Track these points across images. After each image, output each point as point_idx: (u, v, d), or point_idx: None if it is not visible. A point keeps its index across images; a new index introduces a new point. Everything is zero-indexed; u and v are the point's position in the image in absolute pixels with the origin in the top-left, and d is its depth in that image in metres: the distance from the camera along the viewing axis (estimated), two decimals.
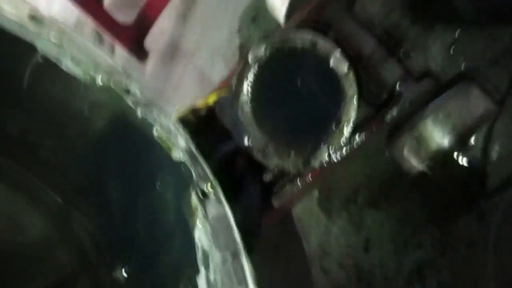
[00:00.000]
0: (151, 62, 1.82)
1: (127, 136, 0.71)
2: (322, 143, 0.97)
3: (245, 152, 1.06)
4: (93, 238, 0.84)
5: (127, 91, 0.67)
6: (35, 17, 0.65)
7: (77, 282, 0.84)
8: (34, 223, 0.87)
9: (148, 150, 0.68)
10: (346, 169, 1.24)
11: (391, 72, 1.01)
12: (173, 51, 1.75)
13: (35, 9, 0.67)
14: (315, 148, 0.98)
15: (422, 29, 1.17)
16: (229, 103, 1.10)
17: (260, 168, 1.12)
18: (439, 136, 0.98)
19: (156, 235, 0.72)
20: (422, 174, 0.99)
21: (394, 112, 0.95)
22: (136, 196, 0.74)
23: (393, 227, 1.20)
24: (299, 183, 1.01)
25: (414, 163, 0.97)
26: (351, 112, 0.93)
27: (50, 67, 0.68)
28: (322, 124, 0.98)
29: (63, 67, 0.65)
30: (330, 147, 0.96)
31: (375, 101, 1.08)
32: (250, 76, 1.07)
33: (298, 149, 1.01)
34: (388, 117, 0.95)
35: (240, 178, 1.06)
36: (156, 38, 1.81)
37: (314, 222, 1.32)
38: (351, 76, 0.93)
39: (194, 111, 1.12)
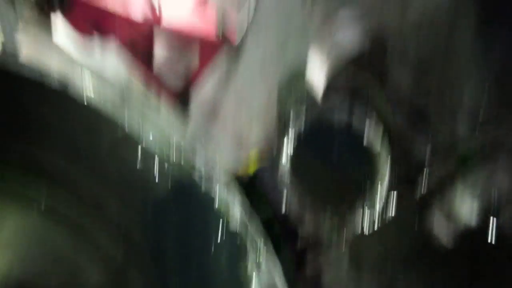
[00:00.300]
0: (192, 125, 1.97)
1: (188, 205, 0.81)
2: (356, 216, 1.05)
3: (282, 220, 1.14)
4: None
5: (193, 167, 0.79)
6: (123, 97, 0.80)
7: None
8: (94, 275, 0.95)
9: (206, 220, 0.78)
10: (377, 240, 1.30)
11: (420, 149, 1.10)
12: (213, 115, 1.90)
13: (123, 91, 0.82)
14: (348, 222, 1.06)
15: (450, 109, 1.26)
16: (269, 173, 1.20)
17: (295, 237, 1.20)
18: (467, 214, 1.04)
19: None
20: (451, 250, 1.04)
21: (422, 189, 1.03)
22: (191, 262, 0.82)
23: None
24: (332, 253, 1.08)
25: (445, 236, 1.02)
26: (383, 190, 1.01)
27: (130, 142, 0.81)
28: (356, 199, 1.06)
29: (143, 144, 0.78)
30: (363, 220, 1.03)
31: (405, 177, 1.16)
32: (289, 149, 1.18)
33: (333, 220, 1.08)
34: (417, 194, 1.03)
35: (277, 247, 1.14)
36: (199, 101, 1.97)
37: None
38: (384, 155, 1.02)
39: (237, 178, 1.23)
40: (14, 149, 0.91)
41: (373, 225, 1.03)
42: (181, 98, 1.98)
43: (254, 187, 1.17)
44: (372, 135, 1.05)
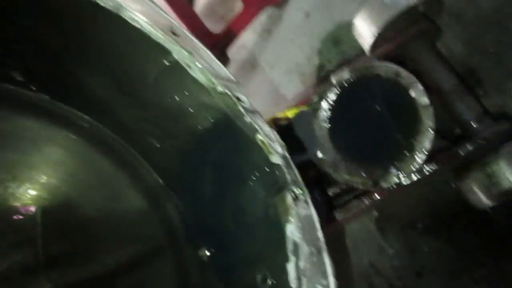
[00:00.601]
0: (230, 71, 1.97)
1: (230, 136, 0.83)
2: (393, 167, 1.04)
3: (317, 165, 1.15)
4: (183, 219, 0.96)
5: (238, 99, 0.79)
6: (174, 30, 0.80)
7: (163, 255, 0.97)
8: (133, 198, 1.01)
9: (248, 151, 0.79)
10: (409, 194, 1.29)
11: (468, 109, 1.06)
12: (253, 63, 1.89)
13: (175, 25, 0.82)
14: (386, 171, 1.05)
15: (504, 72, 1.20)
16: (308, 118, 1.20)
17: (327, 182, 1.21)
18: (508, 180, 1.01)
19: (241, 224, 0.83)
20: (487, 210, 1.03)
21: (468, 147, 1.00)
22: (228, 188, 0.85)
23: (450, 258, 1.23)
24: (365, 201, 1.08)
25: (482, 199, 1.01)
26: (426, 143, 0.99)
27: (178, 70, 0.82)
28: (395, 149, 1.05)
29: (191, 72, 0.79)
30: (401, 172, 1.02)
31: (447, 134, 1.13)
32: (331, 96, 1.16)
33: (368, 168, 1.08)
34: (461, 152, 1.00)
35: (309, 189, 1.15)
36: (239, 49, 1.96)
37: (369, 240, 1.37)
38: (431, 109, 0.99)
39: (275, 120, 1.24)
40: (69, 74, 0.94)
41: (411, 179, 1.02)
42: (220, 42, 1.97)
43: (291, 129, 1.17)
44: (420, 89, 1.01)
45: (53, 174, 1.02)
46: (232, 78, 0.85)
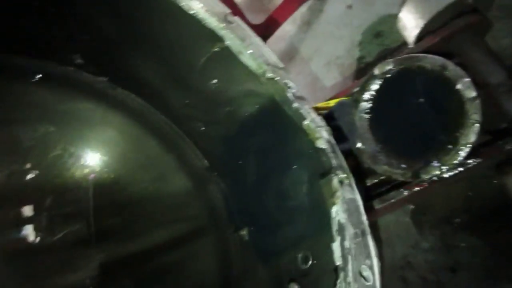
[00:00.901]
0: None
1: (275, 122, 0.86)
2: (435, 160, 1.04)
3: (355, 155, 1.16)
4: (226, 200, 1.00)
5: (287, 85, 0.82)
6: (227, 18, 0.83)
7: (205, 234, 1.02)
8: (179, 179, 1.06)
9: (293, 136, 0.82)
10: (447, 188, 1.29)
11: None
12: (291, 54, 1.91)
13: (229, 13, 0.85)
14: (427, 163, 1.05)
15: None
16: (349, 108, 1.21)
17: (366, 172, 1.22)
18: None
19: (283, 207, 0.86)
20: None
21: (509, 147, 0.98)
22: (271, 172, 0.89)
23: (486, 255, 1.22)
24: (404, 192, 1.09)
25: None
26: (472, 136, 0.98)
27: (228, 56, 0.85)
28: (438, 142, 1.04)
29: (242, 59, 0.82)
30: (443, 165, 1.02)
31: (492, 128, 1.11)
32: (374, 87, 1.17)
33: (409, 160, 1.08)
34: (507, 148, 0.99)
35: None
36: (278, 40, 1.98)
37: (404, 233, 1.37)
38: (478, 102, 0.98)
39: (316, 109, 1.26)
40: (124, 59, 1.00)
41: (453, 172, 1.02)
42: (260, 34, 2.00)
43: (331, 118, 1.19)
44: (468, 82, 1.00)
45: (106, 153, 1.08)
46: (281, 64, 0.88)
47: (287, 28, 1.95)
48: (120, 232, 1.08)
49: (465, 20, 1.11)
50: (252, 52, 0.82)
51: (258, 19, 1.95)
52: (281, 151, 0.87)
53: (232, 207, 0.99)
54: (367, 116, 1.16)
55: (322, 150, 0.76)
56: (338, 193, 0.68)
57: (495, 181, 1.16)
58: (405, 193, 1.09)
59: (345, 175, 0.74)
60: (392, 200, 1.10)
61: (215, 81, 0.97)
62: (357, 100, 1.18)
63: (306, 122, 0.78)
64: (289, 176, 0.85)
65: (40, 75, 0.99)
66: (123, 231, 1.08)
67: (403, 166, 1.08)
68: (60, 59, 0.97)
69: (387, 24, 1.51)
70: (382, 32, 1.52)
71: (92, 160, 1.08)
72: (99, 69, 1.01)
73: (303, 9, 1.83)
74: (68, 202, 1.06)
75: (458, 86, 1.01)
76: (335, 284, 0.60)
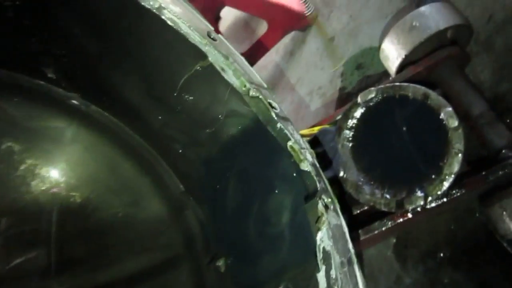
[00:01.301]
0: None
1: (258, 144, 0.82)
2: (419, 189, 1.01)
3: (340, 182, 1.13)
4: (202, 228, 0.94)
5: (271, 105, 0.79)
6: (211, 35, 0.81)
7: (179, 264, 0.94)
8: (153, 205, 0.99)
9: (277, 159, 0.78)
10: (431, 222, 1.26)
11: (499, 136, 1.04)
12: (274, 83, 1.90)
13: (212, 30, 0.83)
14: (411, 192, 1.02)
15: None
16: (332, 135, 1.19)
17: (350, 200, 1.18)
18: None
19: (265, 235, 0.80)
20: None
21: (499, 172, 0.97)
22: (253, 197, 0.84)
23: None
24: (389, 223, 1.05)
25: (501, 238, 0.97)
26: (455, 166, 0.97)
27: (210, 75, 0.82)
28: (421, 172, 1.02)
29: (225, 76, 0.79)
30: (427, 194, 1.00)
31: (474, 159, 1.10)
32: (356, 115, 1.16)
33: (392, 190, 1.06)
34: (491, 178, 0.98)
35: None
36: (260, 69, 1.99)
37: (386, 268, 1.32)
38: (461, 131, 0.98)
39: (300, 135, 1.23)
40: (101, 74, 0.95)
41: (437, 202, 0.99)
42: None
43: (316, 145, 1.16)
44: (450, 111, 1.00)
45: (74, 175, 1.01)
46: (265, 85, 0.85)
47: (271, 58, 1.96)
48: (86, 262, 0.99)
49: (446, 51, 1.13)
50: (236, 70, 0.79)
51: (242, 48, 1.96)
52: (264, 175, 0.83)
53: (209, 235, 0.92)
54: (349, 144, 1.14)
55: (307, 173, 0.72)
56: (324, 218, 0.63)
57: (478, 215, 1.14)
58: (389, 223, 1.05)
59: (330, 199, 0.70)
60: (376, 232, 1.06)
61: (196, 100, 0.93)
62: (340, 128, 1.16)
63: (290, 143, 0.75)
64: (271, 201, 0.80)
65: (8, 88, 0.93)
66: (89, 261, 0.99)
67: (387, 196, 1.05)
68: (31, 72, 0.92)
69: (368, 56, 1.53)
70: (364, 64, 1.54)
71: (58, 182, 1.00)
72: (72, 85, 0.96)
73: (286, 40, 1.85)
74: (28, 227, 0.96)
75: (441, 116, 1.01)
76: None
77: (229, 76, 0.79)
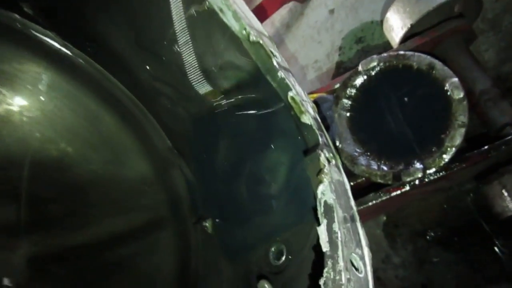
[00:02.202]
0: None
1: (256, 98, 0.76)
2: (418, 162, 0.97)
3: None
4: (189, 187, 0.87)
5: (272, 53, 0.72)
6: None
7: (164, 226, 0.87)
8: (136, 162, 0.92)
9: (275, 112, 0.72)
10: (423, 201, 1.22)
11: (502, 112, 1.01)
12: None
13: None
14: (409, 165, 0.98)
15: None
16: (330, 103, 1.13)
17: (346, 172, 1.13)
18: None
19: (257, 195, 0.74)
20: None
21: (501, 149, 0.93)
22: (246, 154, 0.77)
23: (462, 272, 1.15)
24: (383, 196, 1.01)
25: (497, 216, 0.94)
26: (457, 139, 0.92)
27: (207, 18, 0.75)
28: (422, 144, 0.98)
29: (223, 18, 0.71)
30: (427, 168, 0.95)
31: (471, 137, 1.07)
32: (356, 84, 1.10)
33: (390, 162, 1.01)
34: (493, 153, 0.94)
35: None
36: None
37: (375, 247, 1.29)
38: (466, 103, 0.93)
39: None
40: (86, 15, 0.86)
41: (436, 175, 0.95)
42: None
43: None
44: (456, 82, 0.95)
45: (49, 126, 0.92)
46: (266, 32, 0.79)
47: (266, 29, 1.87)
48: (61, 221, 0.91)
49: (454, 24, 1.08)
50: (236, 12, 0.71)
51: None
52: (259, 130, 0.76)
53: (196, 195, 0.86)
54: (347, 114, 1.09)
55: (308, 126, 0.66)
56: (326, 170, 0.57)
57: (472, 195, 1.11)
58: (384, 196, 1.00)
59: (332, 155, 0.64)
60: (370, 204, 1.01)
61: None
62: (338, 97, 1.11)
63: (291, 94, 0.68)
64: (266, 158, 0.74)
65: None
66: (65, 220, 0.91)
67: (383, 168, 1.01)
68: (5, 5, 0.82)
69: (369, 31, 1.47)
70: (364, 38, 1.49)
71: (31, 133, 0.91)
72: (52, 23, 0.86)
73: (283, 11, 1.78)
74: None
75: (446, 87, 0.96)
76: (319, 275, 0.49)
77: (228, 18, 0.71)
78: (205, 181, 0.85)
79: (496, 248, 1.09)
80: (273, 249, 0.68)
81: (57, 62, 0.89)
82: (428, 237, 1.21)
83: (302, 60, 1.68)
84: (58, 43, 0.88)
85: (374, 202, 1.01)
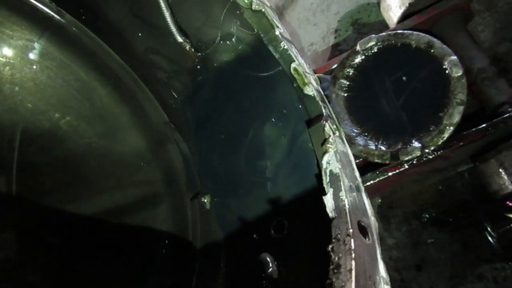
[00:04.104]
0: None
1: (255, 70, 0.74)
2: (416, 140, 0.97)
3: None
4: (186, 163, 0.85)
5: (275, 23, 0.70)
6: None
7: (159, 202, 0.85)
8: (132, 137, 0.89)
9: (276, 84, 0.70)
10: (418, 183, 1.23)
11: (499, 90, 1.01)
12: None
13: None
14: (407, 143, 0.98)
15: None
16: (328, 83, 1.12)
17: None
18: None
19: (258, 169, 0.73)
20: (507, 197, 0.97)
21: (498, 126, 0.94)
22: (246, 127, 0.76)
23: (455, 252, 1.16)
24: (380, 175, 1.00)
25: (507, 182, 0.94)
26: (456, 117, 0.92)
27: None
28: (420, 123, 0.98)
29: None
30: (425, 146, 0.95)
31: (473, 114, 1.07)
32: (354, 64, 1.09)
33: (387, 141, 1.01)
34: (491, 130, 0.94)
35: None
36: None
37: None
38: (465, 81, 0.93)
39: None
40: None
41: (435, 154, 0.95)
42: None
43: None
44: (455, 60, 0.95)
45: (41, 96, 0.89)
46: (268, 3, 0.77)
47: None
48: (52, 194, 0.88)
49: (453, 2, 1.07)
50: None
51: None
52: (259, 104, 0.75)
53: (193, 170, 0.84)
54: (344, 94, 1.08)
55: (311, 98, 0.65)
56: (331, 140, 0.56)
57: (467, 175, 1.12)
58: (381, 176, 1.00)
59: (335, 126, 0.63)
60: (368, 184, 1.01)
61: (186, 23, 0.83)
62: (335, 77, 1.10)
63: (294, 65, 0.67)
64: (266, 131, 0.73)
65: None
66: (56, 193, 0.88)
67: (381, 147, 1.00)
68: None
69: (365, 13, 1.46)
70: (360, 20, 1.47)
71: (22, 104, 0.88)
72: None
73: None
74: None
75: (445, 65, 0.96)
76: (324, 244, 0.48)
77: None
78: (202, 156, 0.83)
79: (487, 231, 1.11)
80: (273, 222, 0.67)
81: (50, 29, 0.86)
82: (422, 219, 1.21)
83: (297, 43, 1.66)
84: (52, 10, 0.85)
85: (371, 182, 1.01)
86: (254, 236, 0.70)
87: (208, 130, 0.83)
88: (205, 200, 0.79)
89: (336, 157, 0.56)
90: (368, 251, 0.48)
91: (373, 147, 1.01)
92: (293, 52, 0.69)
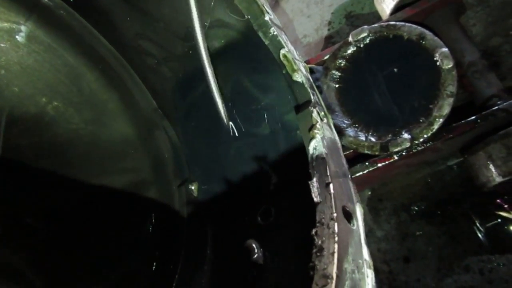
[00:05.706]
0: None
1: (243, 56, 0.73)
2: (406, 132, 0.97)
3: None
4: (174, 150, 0.84)
5: (265, 8, 0.70)
6: None
7: (146, 189, 0.84)
8: (120, 123, 0.88)
9: (265, 70, 0.70)
10: (407, 176, 1.23)
11: (489, 84, 1.01)
12: None
13: None
14: (397, 135, 0.98)
15: None
16: (319, 74, 1.12)
17: None
18: None
19: (245, 155, 0.73)
20: (496, 188, 0.97)
21: (487, 119, 0.94)
22: (235, 114, 0.75)
23: (443, 244, 1.17)
24: (370, 166, 1.00)
25: (494, 174, 0.94)
26: (446, 109, 0.92)
27: None
28: (409, 114, 0.98)
29: None
30: (414, 137, 0.95)
31: (462, 106, 1.07)
32: (346, 55, 1.09)
33: (377, 133, 1.01)
34: (481, 123, 0.94)
35: None
36: None
37: None
38: (455, 73, 0.93)
39: None
40: None
41: (424, 146, 0.95)
42: None
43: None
44: (446, 52, 0.95)
45: (28, 81, 0.87)
46: None
47: None
48: (38, 178, 0.87)
49: None
50: None
51: None
52: (247, 90, 0.74)
53: (181, 157, 0.84)
54: (336, 85, 1.08)
55: (299, 84, 0.64)
56: (318, 125, 0.56)
57: (455, 168, 1.12)
58: (371, 167, 1.00)
59: (324, 113, 0.63)
60: (357, 174, 1.01)
61: (177, 8, 0.82)
62: (327, 68, 1.09)
63: (283, 52, 0.66)
64: (254, 118, 0.72)
65: None
66: (42, 177, 0.88)
67: (371, 139, 1.00)
68: None
69: (359, 5, 1.46)
70: (354, 13, 1.47)
71: (8, 88, 0.87)
72: None
73: None
74: None
75: (436, 57, 0.96)
76: (309, 228, 0.47)
77: None
78: (191, 143, 0.83)
79: (474, 224, 1.12)
80: (260, 209, 0.67)
81: (37, 12, 0.84)
82: (411, 211, 1.22)
83: (291, 35, 1.65)
84: None
85: (361, 173, 1.01)
86: (241, 223, 0.70)
87: (197, 117, 0.82)
88: (193, 188, 0.79)
89: (323, 143, 0.55)
90: (352, 236, 0.48)
91: (363, 138, 1.01)
92: (283, 38, 0.69)
